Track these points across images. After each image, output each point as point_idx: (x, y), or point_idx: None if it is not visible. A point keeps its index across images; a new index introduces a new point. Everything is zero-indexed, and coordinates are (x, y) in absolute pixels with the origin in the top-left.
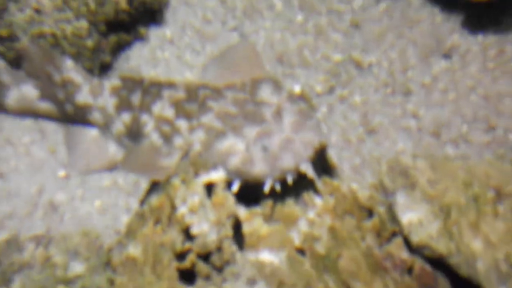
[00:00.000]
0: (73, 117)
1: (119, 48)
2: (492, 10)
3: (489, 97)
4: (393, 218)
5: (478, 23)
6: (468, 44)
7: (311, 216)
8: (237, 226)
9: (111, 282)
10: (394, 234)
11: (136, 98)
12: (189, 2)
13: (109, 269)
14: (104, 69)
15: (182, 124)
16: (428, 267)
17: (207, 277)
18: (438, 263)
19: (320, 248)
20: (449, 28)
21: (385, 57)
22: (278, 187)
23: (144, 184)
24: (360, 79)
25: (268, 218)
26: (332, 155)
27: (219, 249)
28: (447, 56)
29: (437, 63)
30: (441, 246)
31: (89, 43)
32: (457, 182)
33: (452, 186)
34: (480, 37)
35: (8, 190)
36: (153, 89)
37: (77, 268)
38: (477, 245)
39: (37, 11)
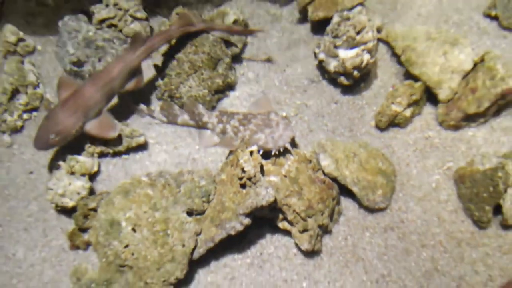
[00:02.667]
0: (201, 126)
1: (219, 100)
2: None
3: None
4: (318, 163)
5: None
6: None
7: (289, 163)
8: (261, 167)
9: (215, 188)
10: (318, 169)
11: (224, 118)
12: (249, 81)
13: (214, 183)
14: (213, 108)
15: (241, 128)
16: (330, 181)
17: (250, 186)
18: (335, 180)
19: (292, 174)
20: None
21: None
22: (276, 153)
23: (227, 151)
24: (307, 110)
25: (273, 164)
26: (297, 140)
27: (254, 176)
28: None
29: None
30: (335, 173)
31: (207, 98)
32: (340, 149)
33: (339, 151)
34: None
35: (176, 152)
36: (230, 114)
37: (202, 182)
38: (347, 173)
39: (190, 87)
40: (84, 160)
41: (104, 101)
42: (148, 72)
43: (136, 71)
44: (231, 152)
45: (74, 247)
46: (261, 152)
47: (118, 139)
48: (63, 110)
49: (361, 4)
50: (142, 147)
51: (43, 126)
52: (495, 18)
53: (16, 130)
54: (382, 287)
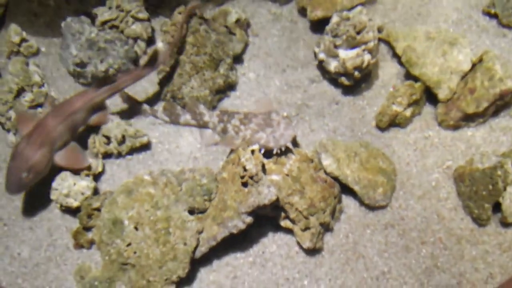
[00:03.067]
0: (202, 125)
1: (220, 100)
2: None
3: None
4: (320, 162)
5: None
6: None
7: (290, 162)
8: (263, 166)
9: (217, 186)
10: (320, 169)
11: (225, 118)
12: (250, 81)
13: (216, 181)
14: (214, 108)
15: (242, 128)
16: (332, 180)
17: (252, 185)
18: (336, 179)
19: (294, 174)
20: None
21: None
22: (278, 152)
23: (228, 150)
24: (308, 110)
25: (275, 163)
26: (298, 140)
27: (256, 174)
28: None
29: None
30: (336, 173)
31: (209, 98)
32: (342, 149)
33: (340, 151)
34: None
35: (178, 151)
36: (231, 114)
37: (204, 180)
38: (348, 172)
39: (192, 88)
40: (89, 161)
41: (67, 133)
42: (152, 75)
43: (99, 108)
44: (232, 151)
45: (79, 246)
46: (262, 151)
47: (122, 140)
48: (29, 145)
49: (361, 4)
50: (146, 147)
51: (11, 167)
52: (494, 16)
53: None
54: (383, 284)
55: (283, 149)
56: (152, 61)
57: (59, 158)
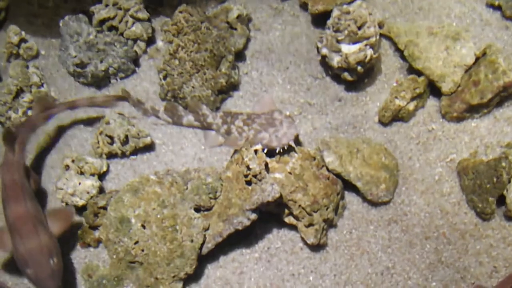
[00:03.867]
0: (206, 127)
1: (223, 100)
2: None
3: None
4: (323, 160)
5: None
6: None
7: (293, 160)
8: (266, 164)
9: (221, 185)
10: (322, 166)
11: (228, 119)
12: (252, 80)
13: (220, 180)
14: (217, 109)
15: (245, 128)
16: (334, 177)
17: (256, 183)
18: (338, 175)
19: (296, 171)
20: None
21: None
22: (280, 150)
23: (232, 151)
24: (311, 109)
25: (277, 161)
26: (301, 138)
27: (260, 173)
28: None
29: None
30: (339, 169)
31: (211, 99)
32: (344, 146)
33: (342, 148)
34: None
35: (182, 152)
36: (234, 115)
37: (209, 179)
38: (351, 169)
39: (193, 88)
40: (93, 161)
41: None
42: (150, 74)
43: (27, 172)
44: (236, 151)
45: (85, 245)
46: (265, 151)
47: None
48: (28, 237)
49: None
50: (149, 147)
51: (33, 269)
52: (498, 7)
53: None
54: (387, 279)
55: (285, 147)
56: (41, 107)
57: (55, 226)
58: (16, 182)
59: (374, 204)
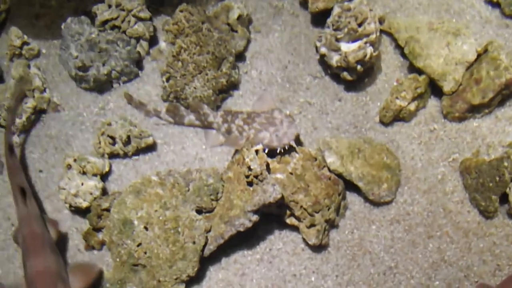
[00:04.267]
0: (207, 126)
1: (223, 99)
2: None
3: None
4: (324, 160)
5: None
6: None
7: (294, 161)
8: (267, 165)
9: (223, 186)
10: (324, 166)
11: (229, 118)
12: (252, 79)
13: (221, 181)
14: (217, 108)
15: (245, 127)
16: (336, 177)
17: (257, 184)
18: (340, 176)
19: (298, 172)
20: None
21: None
22: (281, 150)
23: (233, 150)
24: (311, 108)
25: (278, 162)
26: (301, 138)
27: (261, 173)
28: None
29: None
30: (340, 170)
31: (212, 98)
32: (345, 146)
33: (343, 148)
34: None
35: (184, 152)
36: (235, 114)
37: (210, 180)
38: (352, 169)
39: (195, 88)
40: (95, 161)
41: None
42: (154, 77)
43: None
44: (236, 151)
45: (89, 247)
46: (266, 151)
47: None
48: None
49: None
50: (151, 147)
51: None
52: (497, 4)
53: (25, 131)
54: (390, 279)
55: (286, 147)
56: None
57: (76, 282)
58: (36, 234)
59: (376, 204)
